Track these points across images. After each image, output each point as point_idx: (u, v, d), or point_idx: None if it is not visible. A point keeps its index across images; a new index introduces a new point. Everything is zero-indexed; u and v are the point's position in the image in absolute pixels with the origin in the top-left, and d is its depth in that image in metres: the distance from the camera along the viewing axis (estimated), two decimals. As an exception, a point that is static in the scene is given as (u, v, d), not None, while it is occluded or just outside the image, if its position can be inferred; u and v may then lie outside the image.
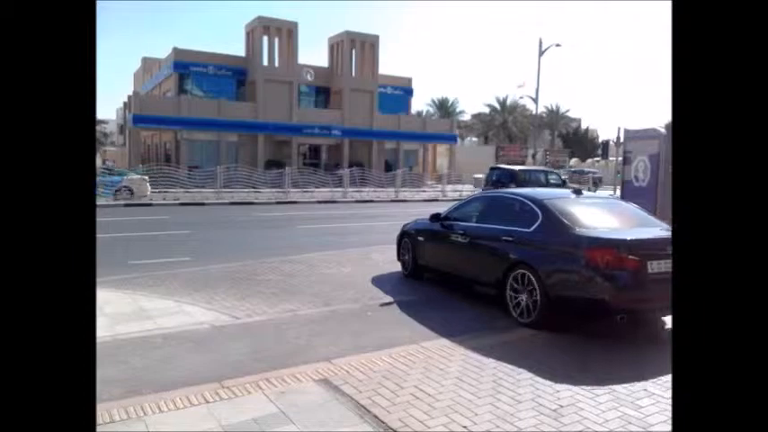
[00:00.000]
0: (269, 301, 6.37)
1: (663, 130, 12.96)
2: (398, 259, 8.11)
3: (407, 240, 7.83)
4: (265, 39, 34.75)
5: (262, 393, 3.67)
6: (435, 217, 7.24)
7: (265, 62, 34.65)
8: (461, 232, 6.56)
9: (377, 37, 39.08)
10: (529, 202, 5.87)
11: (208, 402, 3.50)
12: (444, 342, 4.78)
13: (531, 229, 5.54)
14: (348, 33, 37.96)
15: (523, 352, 4.55)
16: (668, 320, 5.67)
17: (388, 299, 6.62)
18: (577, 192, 6.41)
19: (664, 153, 12.99)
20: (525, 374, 4.04)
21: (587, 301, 4.97)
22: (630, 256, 4.78)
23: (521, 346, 4.76)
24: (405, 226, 8.19)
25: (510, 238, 5.71)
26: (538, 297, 5.20)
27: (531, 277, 5.28)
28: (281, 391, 3.70)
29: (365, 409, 3.45)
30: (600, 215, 5.84)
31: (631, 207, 6.38)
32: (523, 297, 5.37)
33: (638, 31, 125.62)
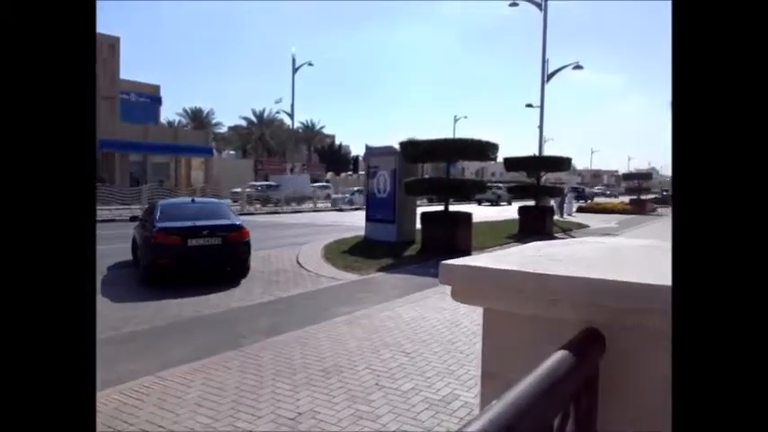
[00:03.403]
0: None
1: (398, 148, 14.65)
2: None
3: (133, 239, 10.46)
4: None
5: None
6: (133, 219, 11.17)
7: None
8: (138, 229, 9.90)
9: (117, 38, 35.34)
10: (158, 205, 9.45)
11: None
12: (183, 368, 4.51)
13: (151, 221, 8.89)
14: (79, 30, 33.39)
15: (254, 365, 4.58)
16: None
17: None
18: (193, 200, 10.76)
19: (399, 168, 14.73)
20: (267, 389, 4.06)
21: (159, 264, 8.43)
22: (175, 236, 8.46)
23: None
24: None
25: (145, 230, 9.11)
26: (142, 263, 8.83)
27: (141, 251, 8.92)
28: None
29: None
30: (185, 212, 9.20)
31: (218, 205, 10.55)
32: (141, 263, 8.90)
33: (377, 55, 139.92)
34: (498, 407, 0.73)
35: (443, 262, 1.23)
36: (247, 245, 9.08)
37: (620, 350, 1.10)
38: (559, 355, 0.96)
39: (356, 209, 30.15)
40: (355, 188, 36.89)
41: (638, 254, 1.45)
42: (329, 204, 34.40)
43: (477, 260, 1.26)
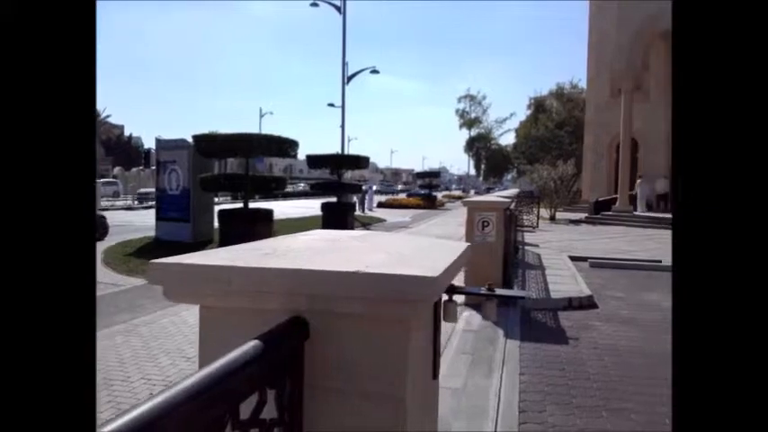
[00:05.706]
0: None
1: (191, 141, 13.83)
2: None
3: None
4: None
5: None
6: None
7: None
8: None
9: None
10: None
11: None
12: None
13: None
14: None
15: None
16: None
17: None
18: None
19: (193, 163, 13.92)
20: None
21: None
22: None
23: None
24: None
25: None
26: None
27: None
28: None
29: None
30: None
31: None
32: None
33: (181, 41, 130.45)
34: (148, 404, 0.72)
35: (152, 261, 1.19)
36: None
37: (323, 335, 1.19)
38: (251, 343, 1.00)
39: (148, 207, 27.65)
40: None
41: (347, 244, 1.58)
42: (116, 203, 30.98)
43: (190, 257, 1.25)
